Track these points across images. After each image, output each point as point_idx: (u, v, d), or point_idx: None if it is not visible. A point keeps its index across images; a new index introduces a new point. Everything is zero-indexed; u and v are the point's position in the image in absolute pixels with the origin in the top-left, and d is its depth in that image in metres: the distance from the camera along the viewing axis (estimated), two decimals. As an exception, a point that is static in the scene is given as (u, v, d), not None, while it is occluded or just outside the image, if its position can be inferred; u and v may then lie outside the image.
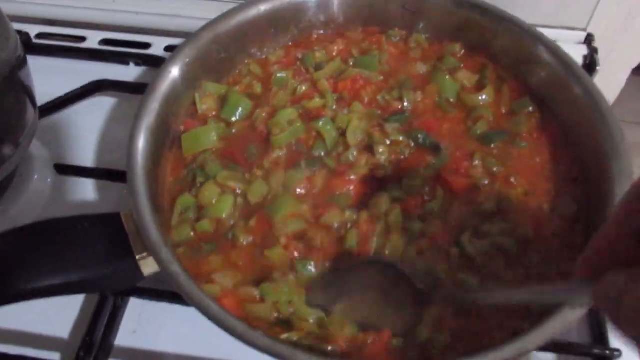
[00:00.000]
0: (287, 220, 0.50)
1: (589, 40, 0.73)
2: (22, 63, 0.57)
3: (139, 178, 0.47)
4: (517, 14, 0.75)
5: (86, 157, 0.66)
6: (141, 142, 0.50)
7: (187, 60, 0.56)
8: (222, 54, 0.60)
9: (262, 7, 0.60)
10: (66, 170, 0.62)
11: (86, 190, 0.64)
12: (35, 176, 0.65)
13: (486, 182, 0.53)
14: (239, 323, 0.41)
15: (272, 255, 0.49)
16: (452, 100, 0.60)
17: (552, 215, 0.51)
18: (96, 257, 0.44)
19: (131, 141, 0.49)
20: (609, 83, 0.88)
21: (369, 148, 0.56)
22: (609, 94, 0.90)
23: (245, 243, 0.50)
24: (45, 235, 0.44)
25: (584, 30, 0.74)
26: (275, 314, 0.46)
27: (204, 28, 0.58)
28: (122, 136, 0.67)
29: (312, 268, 0.48)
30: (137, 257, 0.44)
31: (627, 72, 0.87)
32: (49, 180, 0.65)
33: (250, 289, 0.47)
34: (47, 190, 0.65)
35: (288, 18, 0.63)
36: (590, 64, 0.70)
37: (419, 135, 0.56)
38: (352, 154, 0.55)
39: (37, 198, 0.64)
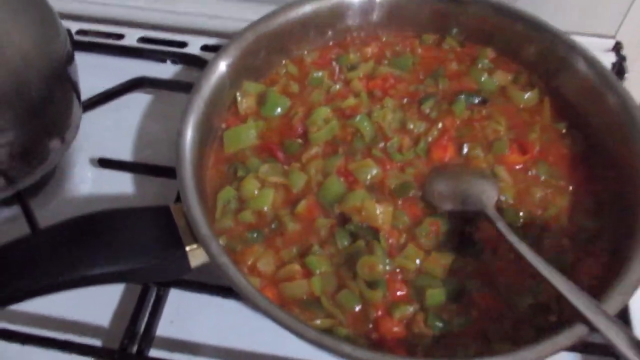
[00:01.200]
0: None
1: (617, 47, 0.74)
2: (70, 59, 0.59)
3: (188, 173, 0.49)
4: (544, 19, 0.76)
5: (124, 151, 0.68)
6: (188, 139, 0.52)
7: (231, 60, 0.58)
8: (262, 54, 0.62)
9: (304, 9, 0.63)
10: (109, 164, 0.64)
11: (124, 184, 0.66)
12: (76, 169, 0.68)
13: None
14: (286, 315, 0.42)
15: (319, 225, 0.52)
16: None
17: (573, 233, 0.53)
18: (147, 248, 0.46)
19: (179, 137, 0.51)
20: (635, 89, 0.89)
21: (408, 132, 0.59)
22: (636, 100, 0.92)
23: (292, 230, 0.52)
24: (100, 226, 0.46)
25: (613, 37, 0.75)
26: (307, 294, 0.49)
27: (247, 29, 0.60)
28: (158, 132, 0.70)
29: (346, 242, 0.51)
30: (187, 248, 0.46)
31: (652, 79, 0.88)
32: (89, 173, 0.68)
33: (292, 266, 0.50)
34: (87, 183, 0.67)
35: (327, 21, 0.65)
36: (619, 72, 0.71)
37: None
38: (394, 143, 0.58)
39: (77, 190, 0.66)
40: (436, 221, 0.53)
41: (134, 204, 0.63)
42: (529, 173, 0.57)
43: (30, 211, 0.59)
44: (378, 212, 0.52)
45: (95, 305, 0.57)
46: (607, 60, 0.73)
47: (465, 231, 0.53)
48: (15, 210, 0.63)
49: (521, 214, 0.53)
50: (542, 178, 0.56)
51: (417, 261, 0.51)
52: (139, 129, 0.71)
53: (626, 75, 0.71)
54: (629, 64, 0.74)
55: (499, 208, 0.53)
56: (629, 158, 0.52)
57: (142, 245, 0.46)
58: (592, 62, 0.58)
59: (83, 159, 0.68)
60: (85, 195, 0.66)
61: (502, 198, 0.54)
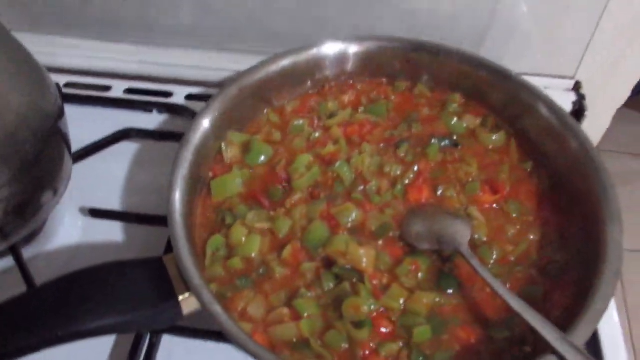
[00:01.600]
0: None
1: (577, 87, 0.79)
2: (61, 113, 0.62)
3: (178, 224, 0.52)
4: (508, 63, 0.81)
5: (112, 200, 0.70)
6: (178, 192, 0.55)
7: (217, 113, 0.62)
8: (245, 105, 0.65)
9: (285, 62, 0.67)
10: (100, 214, 0.66)
11: (113, 232, 0.68)
12: (65, 219, 0.70)
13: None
14: (277, 358, 0.45)
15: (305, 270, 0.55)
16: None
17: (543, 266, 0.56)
18: (141, 300, 0.48)
19: (170, 190, 0.54)
20: (594, 124, 0.95)
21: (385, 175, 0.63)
22: (595, 134, 0.98)
23: (279, 275, 0.55)
24: (95, 280, 0.48)
25: (572, 78, 0.81)
26: (296, 336, 0.51)
27: (231, 83, 0.64)
28: (146, 180, 0.73)
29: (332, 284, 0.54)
30: (180, 298, 0.48)
31: (612, 113, 0.94)
32: (78, 222, 0.69)
33: (281, 310, 0.52)
34: (77, 232, 0.69)
35: (305, 72, 0.69)
36: (580, 110, 0.76)
37: None
38: (373, 186, 0.61)
39: (67, 239, 0.68)
40: (415, 260, 0.56)
41: (123, 251, 0.66)
42: (501, 210, 0.60)
43: (24, 264, 0.61)
44: (362, 255, 0.55)
45: (88, 353, 0.58)
46: (568, 99, 0.78)
47: (445, 268, 0.56)
48: (7, 261, 0.64)
49: (494, 250, 0.57)
50: (513, 215, 0.60)
51: (401, 301, 0.53)
52: (126, 177, 0.73)
53: (586, 113, 0.76)
54: (588, 102, 0.79)
55: (474, 245, 0.57)
56: (589, 195, 0.56)
57: (137, 297, 0.48)
58: (552, 107, 0.62)
59: (72, 208, 0.70)
60: (75, 244, 0.68)
61: (476, 236, 0.58)
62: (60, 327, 0.46)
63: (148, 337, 0.57)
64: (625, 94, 0.90)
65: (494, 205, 0.61)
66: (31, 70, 0.59)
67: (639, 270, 1.66)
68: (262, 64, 0.66)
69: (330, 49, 0.69)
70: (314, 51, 0.68)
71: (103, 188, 0.72)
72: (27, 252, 0.65)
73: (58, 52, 0.83)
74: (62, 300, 0.47)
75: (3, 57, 0.54)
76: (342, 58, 0.69)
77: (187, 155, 0.58)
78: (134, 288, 0.49)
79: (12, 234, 0.59)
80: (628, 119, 2.14)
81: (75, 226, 0.69)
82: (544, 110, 0.63)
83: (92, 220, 0.69)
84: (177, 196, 0.54)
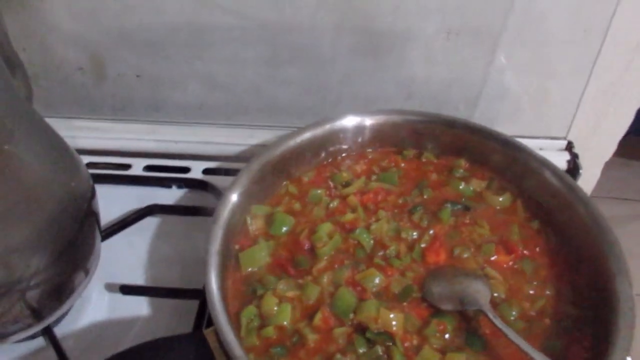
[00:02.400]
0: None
1: (569, 147, 0.85)
2: (93, 194, 0.65)
3: (217, 299, 0.55)
4: (503, 126, 0.87)
5: (138, 275, 0.73)
6: (213, 265, 0.58)
7: (242, 189, 0.66)
8: (267, 179, 0.70)
9: (302, 137, 0.72)
10: (130, 290, 0.68)
11: (140, 307, 0.69)
12: (93, 295, 0.72)
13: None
14: None
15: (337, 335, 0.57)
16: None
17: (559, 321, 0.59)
18: (187, 374, 0.50)
19: (206, 266, 0.57)
20: (586, 177, 1.00)
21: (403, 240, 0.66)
22: (587, 186, 1.03)
23: (312, 342, 0.57)
24: (145, 358, 0.50)
25: (564, 138, 0.87)
26: None
27: (254, 160, 0.68)
28: (171, 254, 0.76)
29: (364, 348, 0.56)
30: (224, 372, 0.51)
31: (601, 165, 1.00)
32: (105, 298, 0.71)
33: None
34: (104, 309, 0.70)
35: (323, 143, 0.74)
36: (574, 168, 0.82)
37: None
38: (392, 250, 0.65)
39: (98, 316, 0.69)
40: (442, 321, 0.59)
41: (151, 326, 0.68)
42: (516, 269, 0.64)
43: (58, 343, 0.62)
44: (391, 318, 0.57)
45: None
46: (562, 158, 0.84)
47: (471, 327, 0.59)
48: (39, 341, 0.66)
49: (513, 307, 0.60)
50: (528, 273, 0.63)
51: None
52: (149, 252, 0.76)
53: (581, 171, 0.81)
54: (581, 161, 0.85)
55: (494, 303, 0.60)
56: (595, 250, 0.61)
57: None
58: (549, 167, 0.68)
59: (99, 285, 0.72)
60: (103, 320, 0.69)
61: (495, 294, 0.61)
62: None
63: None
64: (610, 148, 0.96)
65: (510, 263, 0.64)
66: (66, 155, 0.62)
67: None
68: (283, 139, 0.71)
69: (350, 122, 0.74)
70: (334, 124, 0.74)
71: (127, 264, 0.74)
72: (57, 330, 0.66)
73: (76, 134, 0.87)
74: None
75: (45, 145, 0.58)
76: (359, 130, 0.75)
77: (218, 231, 0.61)
78: (178, 364, 0.51)
79: (47, 315, 0.61)
80: (612, 164, 2.23)
81: (102, 302, 0.71)
82: (543, 171, 0.68)
83: (118, 296, 0.70)
84: (213, 271, 0.57)
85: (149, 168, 0.85)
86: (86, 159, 0.85)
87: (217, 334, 0.52)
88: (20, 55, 0.88)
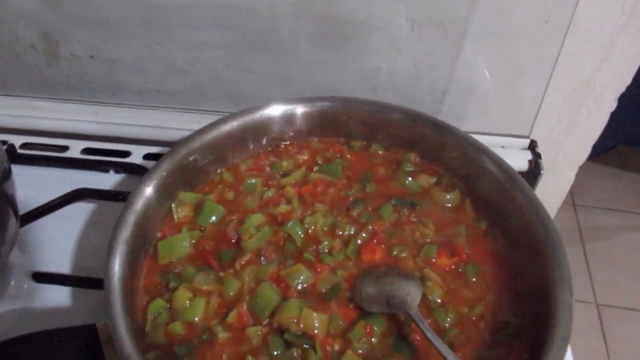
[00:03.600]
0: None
1: (532, 146, 0.80)
2: (7, 175, 0.60)
3: (115, 290, 0.50)
4: (467, 124, 0.83)
5: (63, 263, 0.68)
6: (118, 255, 0.53)
7: (164, 174, 0.61)
8: (197, 165, 0.65)
9: (234, 123, 0.67)
10: (43, 278, 0.64)
11: (62, 296, 0.65)
12: (12, 283, 0.67)
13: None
14: None
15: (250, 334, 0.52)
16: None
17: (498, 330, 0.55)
18: (71, 369, 0.46)
19: (108, 257, 0.52)
20: (559, 180, 0.96)
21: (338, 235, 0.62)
22: (560, 190, 0.98)
23: (222, 340, 0.52)
24: (24, 350, 0.46)
25: (527, 137, 0.82)
26: None
27: (179, 143, 0.64)
28: (100, 242, 0.70)
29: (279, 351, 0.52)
30: (111, 367, 0.46)
31: (575, 169, 0.95)
32: (25, 286, 0.67)
33: None
34: (22, 297, 0.66)
35: (257, 131, 0.69)
36: (535, 168, 0.77)
37: None
38: (325, 246, 0.60)
39: (13, 304, 0.65)
40: (369, 324, 0.54)
41: (70, 316, 0.63)
42: (457, 272, 0.59)
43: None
44: (314, 319, 0.53)
45: None
46: (524, 157, 0.79)
47: (401, 332, 0.54)
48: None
49: (449, 313, 0.55)
50: (469, 277, 0.59)
51: None
52: (79, 239, 0.71)
53: (542, 171, 0.76)
54: (547, 160, 0.80)
55: (429, 307, 0.56)
56: (541, 256, 0.56)
57: (66, 366, 0.46)
58: (501, 165, 0.63)
59: (20, 273, 0.68)
60: (20, 309, 0.65)
61: (431, 297, 0.56)
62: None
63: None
64: (584, 152, 0.91)
65: (452, 267, 0.59)
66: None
67: (620, 325, 1.65)
68: (212, 125, 0.67)
69: (276, 110, 0.70)
70: (262, 112, 0.69)
71: (54, 250, 0.70)
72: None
73: (17, 112, 0.83)
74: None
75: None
76: (289, 118, 0.70)
77: (131, 218, 0.57)
78: (65, 357, 0.46)
79: (-53, 298, 0.57)
80: (604, 174, 2.19)
81: (21, 290, 0.67)
82: (494, 169, 0.63)
83: (40, 284, 0.66)
84: (117, 260, 0.53)
85: (87, 151, 0.81)
86: (22, 139, 0.81)
87: (109, 329, 0.47)
88: (-31, 30, 0.85)
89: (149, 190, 0.60)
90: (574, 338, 0.58)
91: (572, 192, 2.09)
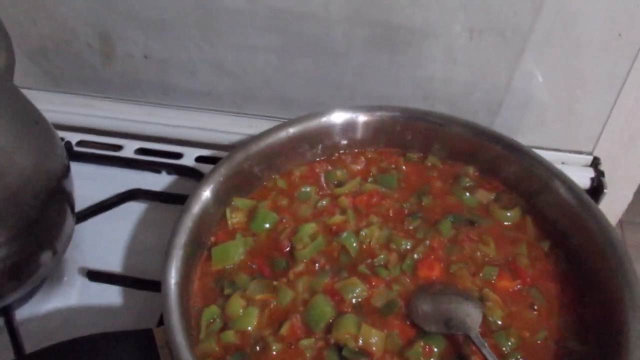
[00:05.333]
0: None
1: (595, 163, 0.77)
2: (66, 172, 0.61)
3: (173, 295, 0.50)
4: (525, 137, 0.80)
5: (115, 262, 0.69)
6: (175, 260, 0.53)
7: (221, 179, 0.61)
8: (252, 171, 0.65)
9: (292, 130, 0.66)
10: (97, 277, 0.65)
11: (114, 295, 0.66)
12: (65, 279, 0.68)
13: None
14: None
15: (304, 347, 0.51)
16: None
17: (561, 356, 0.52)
18: (128, 374, 0.46)
19: (166, 258, 0.52)
20: (616, 198, 0.92)
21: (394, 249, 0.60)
22: (617, 208, 0.94)
23: (276, 352, 0.51)
24: (80, 353, 0.46)
25: (590, 154, 0.79)
26: None
27: (237, 149, 0.63)
28: (151, 242, 0.71)
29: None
30: (167, 374, 0.46)
31: (633, 189, 0.91)
32: (78, 282, 0.68)
33: None
34: (75, 293, 0.67)
35: (314, 139, 0.68)
36: (598, 186, 0.74)
37: None
38: (381, 259, 0.58)
39: (66, 300, 0.66)
40: (428, 343, 0.52)
41: (120, 316, 0.64)
42: (519, 294, 0.57)
43: (15, 328, 0.59)
44: (372, 335, 0.51)
45: None
46: (586, 175, 0.76)
47: (461, 354, 0.52)
48: (-1, 322, 0.62)
49: (511, 336, 0.53)
50: (532, 300, 0.56)
51: None
52: (130, 239, 0.72)
53: (605, 190, 0.73)
54: (607, 178, 0.77)
55: (489, 329, 0.53)
56: (609, 281, 0.53)
57: (123, 371, 0.46)
58: (568, 183, 0.60)
59: (73, 268, 0.69)
60: (72, 306, 0.66)
61: (491, 319, 0.54)
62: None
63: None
64: (644, 170, 0.87)
65: (515, 288, 0.57)
66: (39, 129, 0.58)
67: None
68: (270, 131, 0.66)
69: (339, 117, 0.68)
70: (323, 119, 0.68)
71: (106, 249, 0.71)
72: (22, 312, 0.63)
73: (74, 110, 0.85)
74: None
75: (8, 116, 0.54)
76: (350, 127, 0.69)
77: (188, 222, 0.56)
78: (121, 361, 0.46)
79: (6, 294, 0.58)
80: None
81: (73, 287, 0.67)
82: (559, 187, 0.60)
83: (91, 282, 0.67)
84: (174, 264, 0.52)
85: (140, 151, 0.81)
86: (78, 137, 0.83)
87: (166, 335, 0.47)
88: (32, 28, 0.87)
89: (206, 195, 0.59)
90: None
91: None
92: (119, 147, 0.82)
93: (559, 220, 0.61)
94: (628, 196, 0.92)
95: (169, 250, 0.53)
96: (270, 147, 0.65)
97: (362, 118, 0.69)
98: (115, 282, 0.65)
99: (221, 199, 0.61)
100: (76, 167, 0.65)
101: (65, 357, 0.46)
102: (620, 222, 2.02)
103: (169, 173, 0.78)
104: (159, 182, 0.77)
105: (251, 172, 0.65)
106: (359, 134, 0.70)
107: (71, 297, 0.67)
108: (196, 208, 0.58)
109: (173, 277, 0.51)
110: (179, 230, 0.55)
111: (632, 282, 0.51)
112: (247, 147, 0.64)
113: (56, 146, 0.60)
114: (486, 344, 0.50)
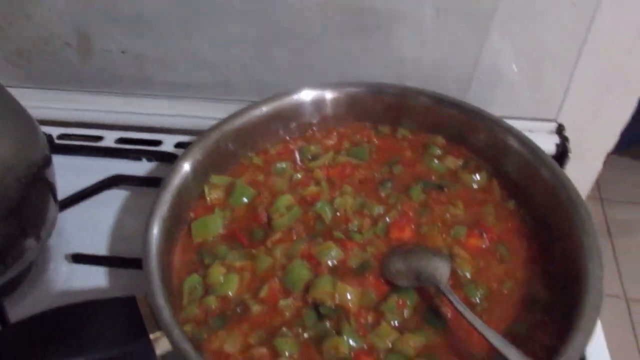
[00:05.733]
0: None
1: (559, 130, 0.80)
2: (48, 162, 0.63)
3: (153, 264, 0.52)
4: (494, 107, 0.83)
5: (100, 246, 0.71)
6: (155, 231, 0.55)
7: (197, 157, 0.63)
8: (228, 149, 0.67)
9: (264, 108, 0.69)
10: (82, 259, 0.66)
11: (99, 278, 0.67)
12: (51, 265, 0.70)
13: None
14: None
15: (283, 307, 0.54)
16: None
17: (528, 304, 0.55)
18: (114, 338, 0.48)
19: (146, 231, 0.54)
20: (585, 168, 0.95)
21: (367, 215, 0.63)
22: (587, 179, 0.98)
23: (256, 313, 0.54)
24: (68, 319, 0.48)
25: (555, 121, 0.82)
26: None
27: (211, 128, 0.66)
28: (135, 225, 0.73)
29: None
30: (151, 337, 0.48)
31: (602, 158, 0.94)
32: (64, 268, 0.69)
33: (258, 349, 0.51)
34: (62, 279, 0.68)
35: (286, 117, 0.71)
36: (563, 152, 0.77)
37: None
38: (354, 225, 0.61)
39: (52, 286, 0.67)
40: (401, 297, 0.55)
41: (108, 296, 0.66)
42: (486, 250, 0.60)
43: (3, 308, 0.60)
44: (349, 293, 0.54)
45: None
46: (552, 141, 0.79)
47: (432, 305, 0.55)
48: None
49: (479, 288, 0.56)
50: (500, 256, 0.59)
51: (388, 341, 0.52)
52: (114, 224, 0.73)
53: (569, 154, 0.76)
54: (574, 147, 0.80)
55: (459, 283, 0.56)
56: (570, 232, 0.56)
57: (110, 336, 0.48)
58: (527, 144, 0.63)
59: (59, 255, 0.70)
60: (60, 291, 0.67)
61: (460, 272, 0.57)
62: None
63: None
64: (612, 139, 0.91)
65: (482, 246, 0.60)
66: (21, 122, 0.61)
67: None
68: (243, 111, 0.68)
69: (307, 95, 0.71)
70: (293, 97, 0.70)
71: (90, 235, 0.72)
72: (10, 300, 0.65)
73: (54, 105, 0.86)
74: (33, 339, 0.47)
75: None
76: (320, 104, 0.72)
77: (167, 197, 0.58)
78: (105, 327, 0.48)
79: (-9, 279, 0.59)
80: (632, 168, 2.15)
81: (59, 272, 0.69)
82: (519, 147, 0.64)
83: (78, 267, 0.68)
84: (154, 236, 0.54)
85: (120, 141, 0.83)
86: (59, 130, 0.84)
87: (149, 300, 0.49)
88: (9, 31, 0.89)
89: (183, 171, 0.61)
90: (604, 331, 0.58)
91: (599, 186, 2.05)
92: (99, 138, 0.84)
93: (521, 180, 0.64)
94: (597, 166, 0.96)
95: (148, 221, 0.55)
96: (244, 126, 0.68)
97: (329, 95, 0.72)
98: (100, 263, 0.67)
99: (199, 177, 0.64)
100: (58, 160, 0.67)
101: (50, 324, 0.48)
102: (601, 199, 2.07)
103: (149, 160, 0.80)
104: (140, 168, 0.79)
105: (227, 150, 0.67)
106: (330, 111, 0.72)
107: (57, 282, 0.68)
108: (174, 184, 0.60)
109: (154, 246, 0.53)
110: (158, 203, 0.57)
111: (589, 230, 0.54)
112: (221, 126, 0.66)
113: (37, 136, 0.62)
114: (454, 293, 0.52)
